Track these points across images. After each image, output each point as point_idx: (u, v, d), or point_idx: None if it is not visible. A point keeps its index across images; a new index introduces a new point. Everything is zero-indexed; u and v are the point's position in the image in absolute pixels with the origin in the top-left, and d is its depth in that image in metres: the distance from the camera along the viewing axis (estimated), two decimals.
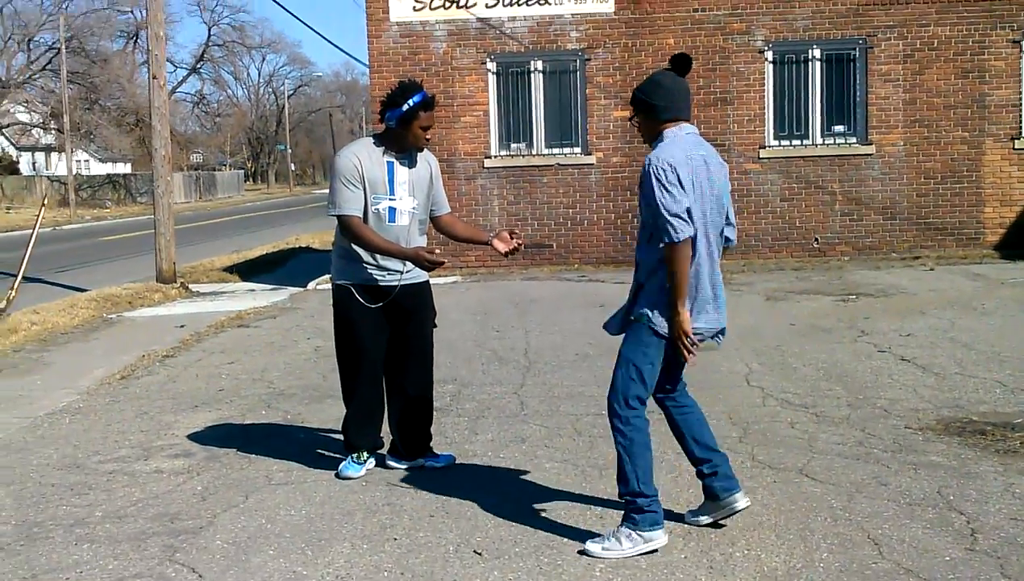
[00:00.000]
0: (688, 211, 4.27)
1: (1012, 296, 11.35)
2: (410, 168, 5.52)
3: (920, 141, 15.46)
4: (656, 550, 4.40)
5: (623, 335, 4.61)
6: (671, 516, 4.84)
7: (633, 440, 4.47)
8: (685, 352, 4.41)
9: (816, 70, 15.51)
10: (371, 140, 5.54)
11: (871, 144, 15.43)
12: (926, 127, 15.41)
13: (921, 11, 15.29)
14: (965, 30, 15.28)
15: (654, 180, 4.28)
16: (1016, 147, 15.41)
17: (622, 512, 4.51)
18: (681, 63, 4.54)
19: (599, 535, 4.52)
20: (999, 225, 15.55)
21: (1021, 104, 15.39)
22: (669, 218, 4.23)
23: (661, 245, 4.26)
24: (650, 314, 4.42)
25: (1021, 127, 15.43)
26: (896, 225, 15.55)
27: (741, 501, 4.62)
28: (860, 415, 6.56)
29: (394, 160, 5.47)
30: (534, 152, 15.90)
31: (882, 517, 4.74)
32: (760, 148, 15.58)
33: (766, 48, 15.44)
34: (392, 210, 5.47)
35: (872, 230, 15.50)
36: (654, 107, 4.49)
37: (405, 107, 5.31)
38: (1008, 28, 15.26)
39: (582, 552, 4.43)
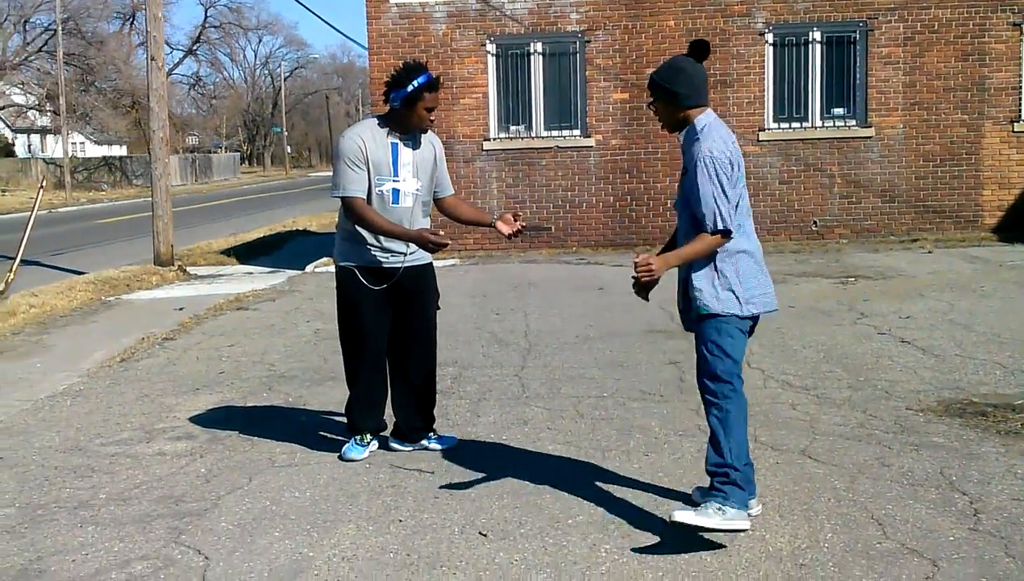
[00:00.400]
0: (737, 205, 4.38)
1: (1010, 278, 11.37)
2: (414, 149, 5.50)
3: (919, 124, 15.45)
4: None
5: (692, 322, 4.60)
6: (676, 496, 4.85)
7: (735, 416, 4.44)
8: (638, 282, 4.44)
9: (816, 52, 15.48)
10: (375, 121, 5.52)
11: (870, 127, 15.41)
12: (925, 110, 15.40)
13: None
14: (965, 13, 15.25)
15: (712, 173, 4.31)
16: (1015, 130, 15.40)
17: (627, 492, 4.49)
18: (699, 49, 4.51)
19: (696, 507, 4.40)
20: (997, 208, 15.57)
21: (1021, 87, 15.38)
22: (723, 210, 4.30)
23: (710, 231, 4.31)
24: (717, 307, 4.43)
25: (1020, 110, 15.42)
26: (895, 208, 15.56)
27: (754, 508, 4.57)
28: (861, 397, 6.57)
29: (398, 141, 5.46)
30: (533, 134, 15.87)
31: (885, 498, 4.76)
32: (760, 130, 15.57)
33: (766, 30, 15.41)
34: (396, 192, 5.46)
35: (871, 213, 15.50)
36: (676, 94, 4.47)
37: (410, 88, 5.29)
38: (1008, 11, 15.23)
39: (671, 519, 4.25)
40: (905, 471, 5.13)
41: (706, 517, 4.23)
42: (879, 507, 4.65)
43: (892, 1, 15.29)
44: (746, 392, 4.62)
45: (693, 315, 4.51)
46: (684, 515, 4.24)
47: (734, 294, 4.40)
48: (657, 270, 4.36)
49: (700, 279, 4.44)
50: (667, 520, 4.40)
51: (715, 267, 4.41)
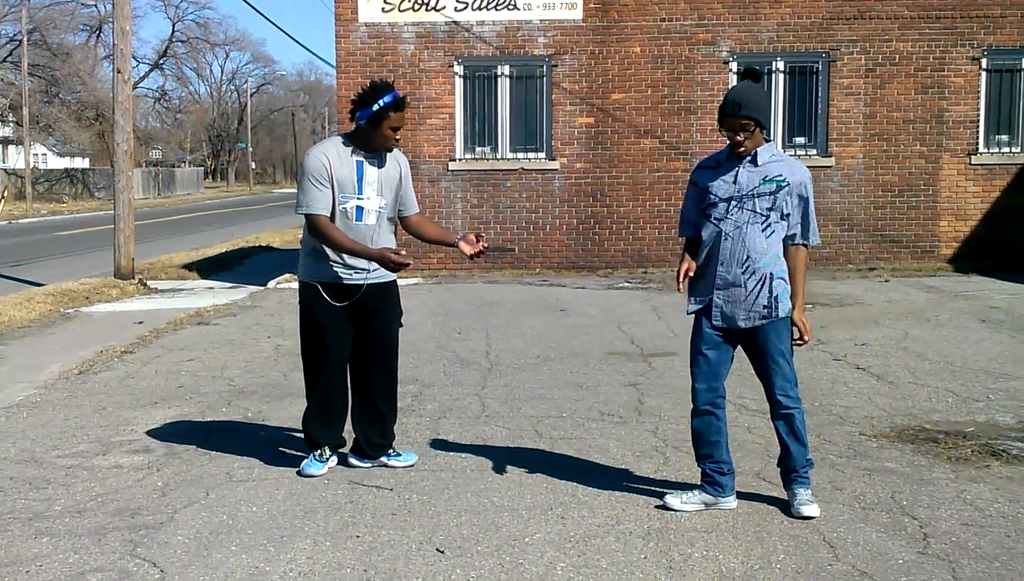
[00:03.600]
0: None
1: (965, 308, 11.56)
2: (379, 168, 5.54)
3: (879, 154, 15.69)
4: None
5: (757, 328, 4.90)
6: (633, 515, 4.90)
7: (803, 413, 5.00)
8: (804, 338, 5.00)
9: (779, 82, 15.69)
10: (340, 139, 5.55)
11: (831, 156, 15.63)
12: (885, 141, 15.65)
13: (884, 27, 15.53)
14: (926, 47, 15.53)
15: (811, 195, 4.92)
16: (972, 162, 15.68)
17: (584, 511, 4.54)
18: (756, 77, 4.96)
19: (804, 500, 4.90)
20: (953, 239, 15.82)
21: (979, 121, 15.67)
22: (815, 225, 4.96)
23: (802, 245, 4.96)
24: (791, 309, 4.92)
25: (978, 143, 15.71)
26: (853, 237, 15.77)
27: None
28: (816, 422, 6.66)
29: (363, 159, 5.50)
30: (499, 156, 15.96)
31: (837, 521, 4.83)
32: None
33: (731, 59, 15.60)
34: (360, 209, 5.49)
35: (829, 241, 15.69)
36: (768, 117, 4.90)
37: (376, 107, 5.33)
38: (968, 46, 15.53)
39: (801, 516, 4.82)
40: (857, 495, 5.21)
41: (815, 503, 4.89)
42: (831, 530, 4.72)
43: (854, 33, 15.55)
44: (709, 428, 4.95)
45: (771, 315, 4.85)
46: (812, 509, 4.84)
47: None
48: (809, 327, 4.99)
49: (780, 279, 4.89)
50: (799, 515, 4.84)
51: (783, 267, 4.92)
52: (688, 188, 5.11)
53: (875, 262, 15.68)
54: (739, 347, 5.03)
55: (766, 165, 4.85)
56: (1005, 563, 4.33)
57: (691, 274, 4.95)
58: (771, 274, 4.86)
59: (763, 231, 4.86)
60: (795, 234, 4.92)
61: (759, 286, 4.85)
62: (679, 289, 4.96)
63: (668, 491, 5.13)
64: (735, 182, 4.87)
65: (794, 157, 5.03)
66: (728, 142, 4.90)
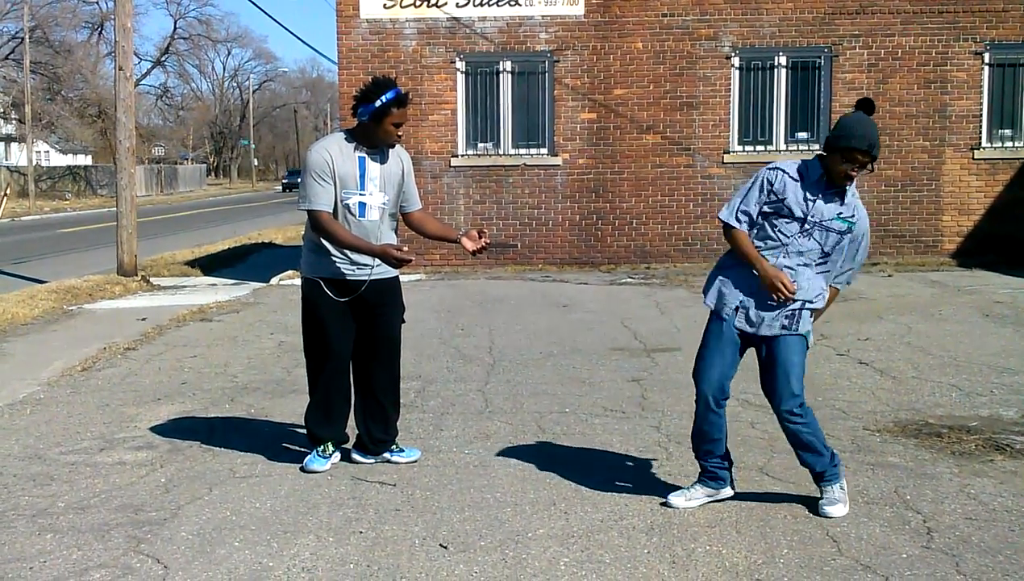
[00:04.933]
0: None
1: (968, 303, 11.55)
2: (382, 164, 5.54)
3: (882, 149, 15.55)
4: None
5: (776, 337, 4.88)
6: (636, 510, 4.90)
7: (815, 423, 4.95)
8: None
9: (781, 77, 15.67)
10: (343, 135, 5.55)
11: None
12: (888, 136, 15.61)
13: (886, 21, 15.51)
14: (928, 41, 15.51)
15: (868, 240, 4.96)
16: (975, 157, 15.67)
17: (587, 506, 4.54)
18: (870, 107, 4.85)
19: (826, 500, 4.88)
20: (957, 233, 15.80)
21: (981, 115, 15.65)
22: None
23: (844, 286, 5.04)
24: (810, 331, 4.95)
25: (981, 137, 15.69)
26: None
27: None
28: (819, 416, 6.58)
29: (365, 155, 5.49)
30: (501, 152, 15.95)
31: (841, 515, 4.83)
32: (724, 153, 15.73)
33: (733, 54, 15.59)
34: (362, 205, 5.49)
35: None
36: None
37: (378, 103, 5.33)
38: (971, 40, 15.51)
39: (826, 515, 4.80)
40: (861, 489, 5.20)
41: (844, 499, 4.90)
42: (834, 524, 4.72)
43: (857, 28, 15.53)
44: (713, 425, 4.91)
45: (790, 329, 4.85)
46: (836, 509, 4.83)
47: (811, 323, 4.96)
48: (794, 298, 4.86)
49: (810, 310, 4.90)
50: (829, 516, 4.82)
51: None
52: (760, 182, 4.86)
53: (878, 257, 15.65)
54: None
55: (847, 205, 4.79)
56: (1009, 557, 4.32)
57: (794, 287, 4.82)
58: (804, 301, 4.84)
59: (818, 267, 4.84)
60: (838, 276, 4.94)
61: (789, 305, 4.83)
62: (791, 292, 4.78)
63: (672, 488, 5.13)
64: (813, 205, 4.75)
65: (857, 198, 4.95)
66: (828, 172, 4.75)
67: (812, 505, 4.95)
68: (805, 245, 4.79)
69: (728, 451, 5.05)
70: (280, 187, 77.59)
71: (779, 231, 4.81)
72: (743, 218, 4.89)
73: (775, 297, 4.76)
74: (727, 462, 5.03)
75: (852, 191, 4.84)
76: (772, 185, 4.83)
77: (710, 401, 4.90)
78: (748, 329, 4.87)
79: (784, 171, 4.84)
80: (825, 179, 4.77)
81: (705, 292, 5.04)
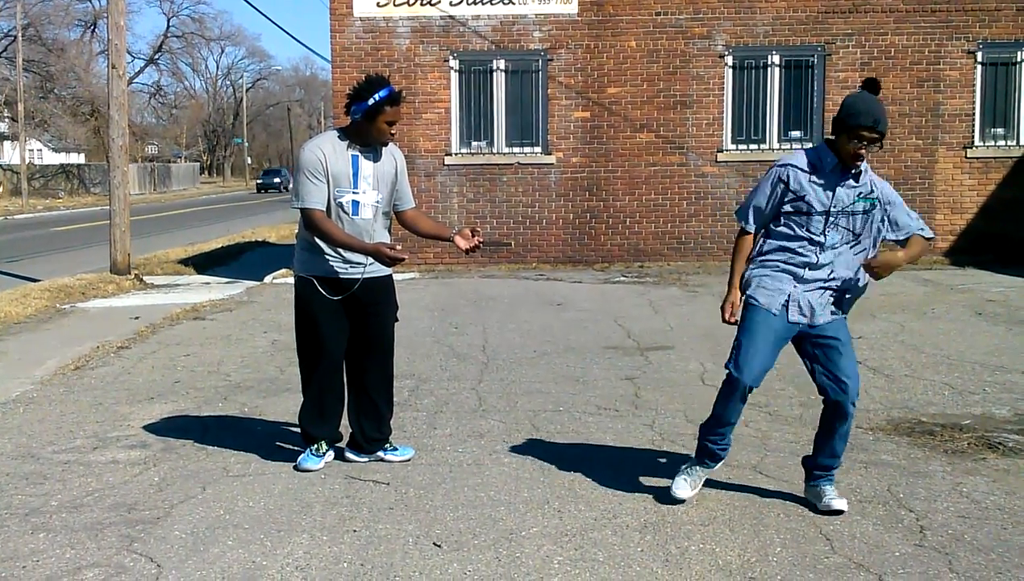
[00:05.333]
0: None
1: (961, 301, 11.57)
2: (375, 162, 5.54)
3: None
4: None
5: (829, 323, 4.87)
6: (630, 508, 4.91)
7: None
8: None
9: (775, 75, 15.69)
10: (336, 133, 5.55)
11: None
12: None
13: (879, 20, 15.53)
14: (921, 40, 15.54)
15: (897, 195, 4.93)
16: (968, 156, 15.70)
17: (580, 505, 4.54)
18: (875, 87, 4.80)
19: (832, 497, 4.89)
20: (949, 232, 15.83)
21: (974, 114, 15.69)
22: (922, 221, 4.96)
23: (923, 237, 4.89)
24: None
25: (973, 136, 15.72)
26: None
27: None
28: (812, 414, 6.63)
29: (359, 154, 5.49)
30: (495, 150, 15.95)
31: (834, 513, 4.84)
32: (718, 151, 15.74)
33: (726, 53, 15.60)
34: (355, 203, 5.48)
35: None
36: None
37: (371, 101, 5.33)
38: (963, 39, 15.54)
39: (831, 510, 4.82)
40: (854, 487, 5.21)
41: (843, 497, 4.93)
42: (827, 522, 4.73)
43: (850, 27, 15.55)
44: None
45: (838, 313, 4.88)
46: (841, 503, 4.84)
47: None
48: (889, 266, 4.75)
49: (852, 289, 4.90)
50: (827, 509, 4.84)
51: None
52: (771, 181, 4.83)
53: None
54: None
55: (862, 184, 4.76)
56: (1001, 555, 4.34)
57: (732, 321, 4.88)
58: (849, 282, 4.85)
59: (853, 248, 4.82)
60: (911, 232, 4.87)
61: (833, 291, 4.84)
62: (730, 320, 4.87)
63: (666, 488, 5.13)
64: (833, 196, 4.73)
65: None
66: (840, 156, 4.71)
67: (806, 503, 4.96)
68: (834, 237, 4.78)
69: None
70: (255, 188, 68.68)
71: (806, 229, 4.77)
72: (754, 217, 4.91)
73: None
74: (729, 444, 5.08)
75: (864, 168, 4.79)
76: (787, 183, 4.77)
77: (746, 391, 4.83)
78: (803, 321, 4.82)
79: (795, 166, 4.78)
80: (840, 166, 4.72)
81: (744, 289, 4.92)
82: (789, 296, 4.81)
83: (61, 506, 5.14)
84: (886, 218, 4.84)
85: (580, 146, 15.83)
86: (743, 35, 15.62)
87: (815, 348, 4.86)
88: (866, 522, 4.73)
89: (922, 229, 4.87)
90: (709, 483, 5.24)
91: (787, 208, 4.79)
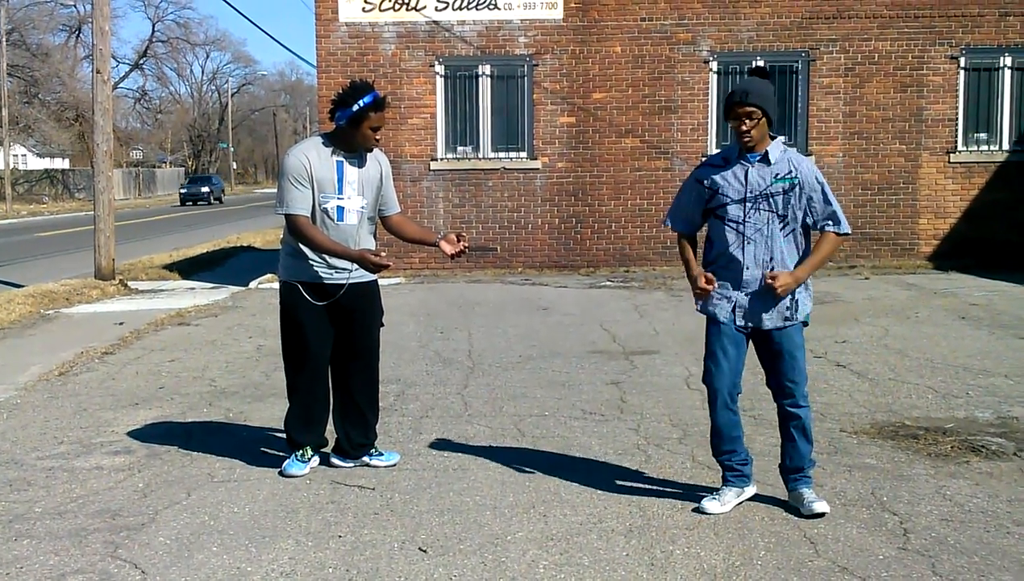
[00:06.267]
0: None
1: (944, 305, 11.63)
2: (360, 168, 5.54)
3: (859, 153, 15.77)
4: None
5: (779, 329, 4.91)
6: (615, 512, 4.92)
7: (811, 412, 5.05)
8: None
9: None
10: (320, 139, 5.55)
11: (811, 155, 15.69)
12: (865, 139, 15.72)
13: (863, 26, 15.60)
14: (905, 45, 15.62)
15: (824, 181, 4.89)
16: (951, 161, 15.78)
17: (566, 509, 4.55)
18: (763, 74, 4.94)
19: (811, 501, 4.89)
20: (933, 237, 15.91)
21: (957, 119, 15.77)
22: (841, 211, 4.87)
23: (831, 232, 4.86)
24: (808, 314, 4.98)
25: (956, 141, 15.80)
26: None
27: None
28: None
29: (343, 160, 5.49)
30: (480, 156, 15.96)
31: (818, 517, 4.86)
32: (703, 156, 15.76)
33: (711, 58, 15.65)
34: (340, 209, 5.48)
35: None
36: (773, 113, 4.84)
37: (355, 107, 5.33)
38: (946, 45, 15.62)
39: (814, 514, 4.82)
40: (838, 491, 5.23)
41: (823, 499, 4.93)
42: (811, 526, 4.75)
43: (834, 32, 15.62)
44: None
45: (792, 318, 4.88)
46: (822, 505, 4.84)
47: (811, 297, 4.99)
48: (791, 288, 4.81)
49: (809, 286, 4.92)
50: (811, 513, 4.83)
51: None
52: (689, 184, 5.04)
53: (855, 260, 15.75)
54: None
55: (777, 163, 4.82)
56: (984, 558, 4.36)
57: (711, 286, 4.88)
58: (789, 276, 4.83)
59: (782, 231, 4.85)
60: (825, 225, 4.88)
61: (781, 297, 4.84)
62: (702, 293, 4.89)
63: (650, 491, 5.15)
64: (746, 182, 4.82)
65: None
66: (735, 139, 4.85)
67: (789, 507, 4.98)
68: (759, 220, 4.83)
69: (746, 450, 5.07)
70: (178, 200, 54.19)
71: (731, 221, 4.86)
72: (675, 218, 5.11)
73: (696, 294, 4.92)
74: (748, 457, 5.06)
75: (779, 148, 4.87)
76: (703, 182, 4.96)
77: (726, 398, 4.93)
78: (746, 324, 4.90)
79: (708, 165, 5.01)
80: (742, 151, 4.87)
81: (697, 301, 5.03)
82: (736, 303, 4.91)
83: (45, 512, 5.12)
84: (807, 202, 4.84)
85: (566, 151, 15.85)
86: (728, 41, 15.67)
87: (765, 352, 4.98)
88: (850, 525, 4.75)
89: (834, 223, 4.85)
90: (692, 486, 5.25)
91: (711, 205, 4.93)
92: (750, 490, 5.07)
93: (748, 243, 4.85)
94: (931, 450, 5.94)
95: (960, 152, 15.81)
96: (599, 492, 5.26)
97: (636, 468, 5.69)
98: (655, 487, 5.27)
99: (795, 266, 4.86)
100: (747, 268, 4.87)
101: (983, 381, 7.72)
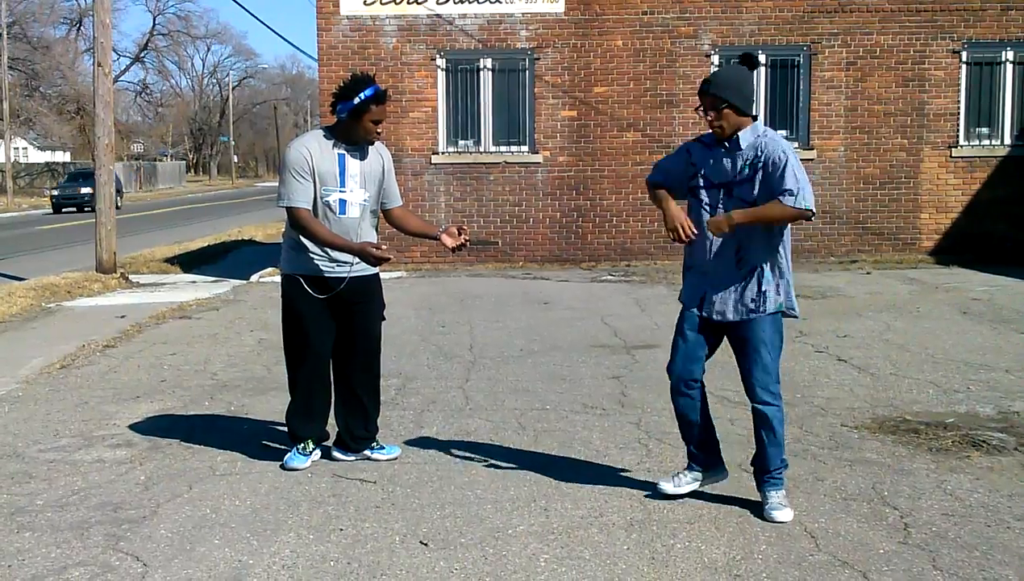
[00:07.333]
0: None
1: (946, 300, 11.62)
2: (361, 160, 5.54)
3: (860, 147, 15.76)
4: None
5: (744, 321, 4.85)
6: (616, 506, 4.92)
7: (782, 411, 4.93)
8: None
9: (761, 75, 15.71)
10: (322, 132, 5.55)
11: (813, 149, 15.69)
12: (867, 133, 15.71)
13: (865, 20, 15.58)
14: (907, 40, 15.60)
15: (798, 162, 4.71)
16: (953, 155, 15.77)
17: (567, 503, 4.56)
18: (752, 62, 4.86)
19: (775, 506, 4.81)
20: (935, 231, 15.90)
21: (959, 113, 15.75)
22: (810, 192, 4.68)
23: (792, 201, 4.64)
24: (784, 302, 4.86)
25: (958, 136, 15.79)
26: (835, 229, 15.83)
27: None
28: (798, 413, 6.69)
29: (345, 153, 5.49)
30: (482, 149, 15.95)
31: (818, 511, 4.86)
32: None
33: (712, 52, 15.63)
34: (343, 202, 5.49)
35: (811, 233, 15.74)
36: (747, 99, 4.77)
37: (356, 100, 5.33)
38: (948, 39, 15.60)
39: (772, 521, 4.72)
40: (838, 486, 5.24)
41: (788, 506, 4.80)
42: (812, 520, 4.75)
43: (835, 26, 15.60)
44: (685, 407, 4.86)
45: (758, 310, 4.80)
46: (785, 514, 4.73)
47: (791, 289, 4.87)
48: (721, 227, 4.72)
49: (770, 273, 4.81)
50: (770, 520, 4.74)
51: (780, 261, 4.81)
52: (680, 150, 5.05)
53: (857, 254, 15.74)
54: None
55: (745, 150, 4.79)
56: (985, 552, 4.36)
57: (686, 223, 4.79)
58: (761, 267, 4.81)
59: (758, 225, 4.80)
60: (780, 197, 4.67)
61: (748, 279, 4.82)
62: (690, 236, 4.78)
63: (653, 485, 5.15)
64: (721, 168, 4.82)
65: (772, 130, 4.88)
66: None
67: (790, 501, 4.97)
68: (728, 207, 4.81)
69: (711, 438, 5.06)
70: (50, 206, 41.65)
71: (705, 205, 4.87)
72: (657, 171, 5.05)
73: (674, 235, 4.82)
74: (705, 448, 5.05)
75: (755, 134, 4.78)
76: (690, 154, 4.96)
77: (679, 384, 4.97)
78: (716, 318, 4.88)
79: (699, 140, 4.98)
80: (717, 138, 4.88)
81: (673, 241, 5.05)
82: (705, 292, 4.91)
83: (47, 505, 5.13)
84: (768, 177, 4.72)
85: (567, 145, 15.84)
86: (729, 34, 15.65)
87: (732, 345, 4.98)
88: (850, 520, 4.75)
89: (787, 194, 4.63)
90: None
91: (692, 182, 4.93)
92: (710, 480, 5.08)
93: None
94: (932, 445, 5.94)
95: (962, 147, 15.80)
96: (600, 486, 5.27)
97: (637, 462, 5.70)
98: (656, 481, 5.27)
99: (766, 259, 4.79)
100: (717, 255, 4.86)
101: (984, 376, 7.72)
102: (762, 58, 15.65)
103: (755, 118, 4.84)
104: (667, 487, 5.03)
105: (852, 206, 15.83)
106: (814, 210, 4.72)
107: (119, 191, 37.66)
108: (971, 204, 15.85)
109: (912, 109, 15.71)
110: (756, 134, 4.79)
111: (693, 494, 5.07)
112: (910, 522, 4.72)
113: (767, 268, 4.81)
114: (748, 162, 4.77)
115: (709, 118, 4.77)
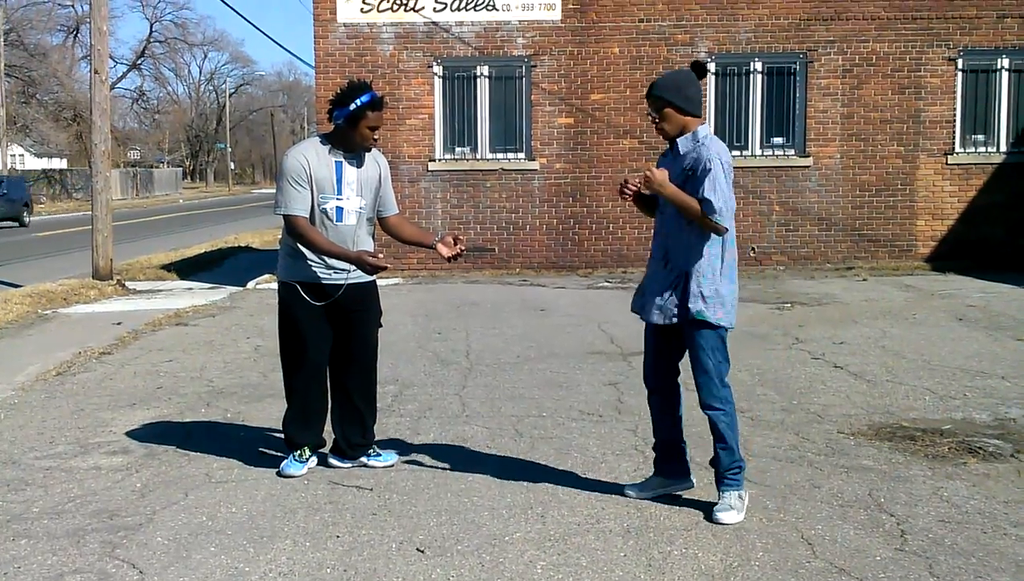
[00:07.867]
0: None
1: (942, 307, 11.64)
2: (358, 168, 5.55)
3: (856, 154, 15.78)
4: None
5: (683, 326, 4.93)
6: (613, 513, 4.92)
7: (732, 416, 4.94)
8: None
9: (757, 82, 15.76)
10: (319, 139, 5.56)
11: (809, 156, 15.71)
12: (863, 141, 15.73)
13: (861, 27, 15.62)
14: (903, 47, 15.63)
15: (722, 172, 4.72)
16: (949, 162, 15.79)
17: (564, 510, 4.55)
18: (701, 69, 4.92)
19: (719, 508, 4.85)
20: (931, 238, 15.92)
21: (955, 121, 15.78)
22: (727, 205, 4.69)
23: (709, 216, 4.68)
24: (708, 312, 4.84)
25: (954, 143, 15.82)
26: (831, 236, 15.85)
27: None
28: (794, 420, 6.70)
29: (342, 160, 5.50)
30: (478, 156, 15.96)
31: (815, 518, 4.87)
32: None
33: (709, 60, 15.65)
34: (340, 210, 5.49)
35: (808, 240, 15.77)
36: (689, 100, 4.80)
37: (353, 107, 5.34)
38: (944, 46, 15.64)
39: (715, 521, 4.76)
40: (835, 492, 5.24)
41: (738, 509, 4.81)
42: (809, 527, 4.75)
43: (832, 34, 15.63)
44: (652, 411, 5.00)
45: (690, 318, 4.83)
46: (728, 516, 4.75)
47: (732, 303, 4.88)
48: (659, 185, 4.75)
49: (704, 285, 4.80)
50: (715, 521, 4.78)
51: (716, 273, 4.80)
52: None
53: (853, 261, 15.77)
54: None
55: (684, 156, 4.86)
56: (981, 559, 4.37)
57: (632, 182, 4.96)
58: (687, 274, 4.84)
59: (683, 226, 4.84)
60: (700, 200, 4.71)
61: (676, 284, 4.87)
62: (629, 189, 4.99)
63: (709, 501, 5.09)
64: (671, 173, 4.86)
65: (716, 138, 4.92)
66: None
67: (787, 508, 4.98)
68: (668, 213, 4.90)
69: (674, 444, 5.15)
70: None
71: (661, 206, 4.99)
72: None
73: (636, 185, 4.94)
74: (671, 453, 5.14)
75: (692, 139, 4.84)
76: (659, 162, 5.05)
77: (648, 387, 5.19)
78: (653, 320, 5.00)
79: (725, 150, 4.97)
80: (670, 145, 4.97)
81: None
82: (645, 296, 5.04)
83: (43, 512, 5.12)
84: (694, 180, 4.76)
85: (564, 152, 15.86)
86: (726, 42, 15.68)
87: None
88: (847, 526, 4.76)
89: (704, 202, 4.68)
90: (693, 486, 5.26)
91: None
92: (679, 485, 5.14)
93: (656, 235, 4.99)
94: (928, 451, 5.95)
95: (958, 153, 15.83)
96: (597, 493, 5.27)
97: (634, 469, 5.70)
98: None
99: (691, 265, 4.81)
100: (653, 258, 5.01)
101: (980, 382, 7.73)
102: (758, 65, 15.70)
103: (703, 120, 4.91)
104: (631, 492, 5.14)
105: (848, 213, 15.85)
106: (727, 228, 4.76)
107: (26, 204, 36.25)
108: (967, 211, 15.87)
109: (908, 116, 15.74)
110: (696, 141, 4.85)
111: (689, 501, 5.08)
112: (907, 529, 4.73)
113: (693, 275, 4.83)
114: (685, 168, 4.83)
115: (653, 119, 4.88)
